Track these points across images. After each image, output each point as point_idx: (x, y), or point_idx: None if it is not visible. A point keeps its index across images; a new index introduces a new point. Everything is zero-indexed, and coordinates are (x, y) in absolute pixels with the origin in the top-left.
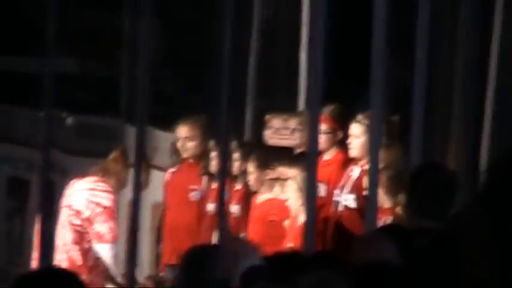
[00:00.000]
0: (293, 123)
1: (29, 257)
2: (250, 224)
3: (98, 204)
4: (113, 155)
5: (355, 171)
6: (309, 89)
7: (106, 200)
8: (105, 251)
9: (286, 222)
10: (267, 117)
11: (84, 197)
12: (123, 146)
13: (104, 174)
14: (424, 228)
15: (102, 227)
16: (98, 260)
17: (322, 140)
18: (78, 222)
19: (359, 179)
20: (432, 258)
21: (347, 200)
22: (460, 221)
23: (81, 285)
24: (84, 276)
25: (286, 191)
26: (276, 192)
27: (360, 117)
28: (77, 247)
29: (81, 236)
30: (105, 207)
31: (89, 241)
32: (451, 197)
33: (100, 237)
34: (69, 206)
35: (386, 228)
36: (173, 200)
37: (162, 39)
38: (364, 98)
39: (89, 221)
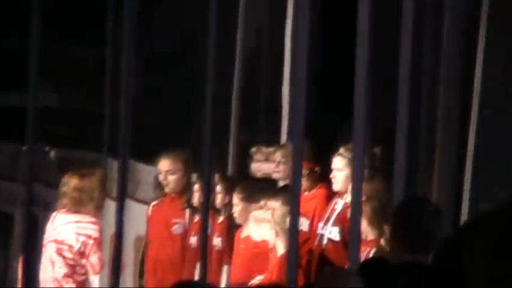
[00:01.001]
0: (278, 156)
1: None
2: (234, 257)
3: (88, 236)
4: (82, 184)
5: (339, 204)
6: (292, 122)
7: (93, 231)
8: (96, 282)
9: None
10: (253, 150)
11: (71, 231)
12: (96, 173)
13: (80, 205)
14: (408, 261)
15: (94, 258)
16: None
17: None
18: (70, 256)
19: (343, 211)
20: None
21: (331, 232)
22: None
23: None
24: None
25: (270, 223)
26: (259, 225)
27: (342, 150)
28: (70, 280)
29: (73, 270)
30: (94, 239)
31: (83, 274)
32: (434, 230)
33: (93, 269)
34: (57, 241)
35: (367, 262)
36: (156, 233)
37: (144, 72)
38: (346, 131)
39: (82, 254)
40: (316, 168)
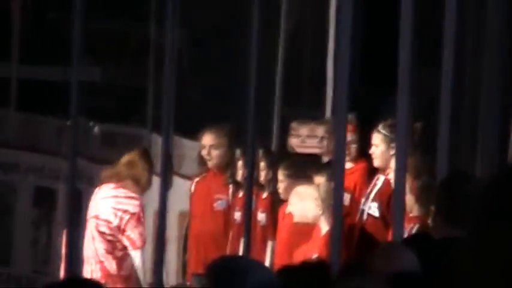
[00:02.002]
0: (320, 131)
1: (55, 267)
2: (279, 233)
3: (124, 211)
4: (126, 158)
5: (380, 180)
6: (336, 97)
7: (131, 206)
8: (137, 258)
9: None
10: (293, 125)
11: (109, 206)
12: (143, 148)
13: (116, 178)
14: (451, 237)
15: (133, 233)
16: (132, 268)
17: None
18: (108, 231)
19: (383, 187)
20: (451, 271)
21: (371, 208)
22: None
23: None
24: (118, 286)
25: (314, 199)
26: (304, 201)
27: (380, 126)
28: (110, 256)
29: (113, 245)
30: (132, 214)
31: (121, 249)
32: None
33: (133, 244)
34: (96, 216)
35: (410, 238)
36: (199, 209)
37: (188, 47)
38: (389, 105)
39: (119, 229)
40: (357, 143)
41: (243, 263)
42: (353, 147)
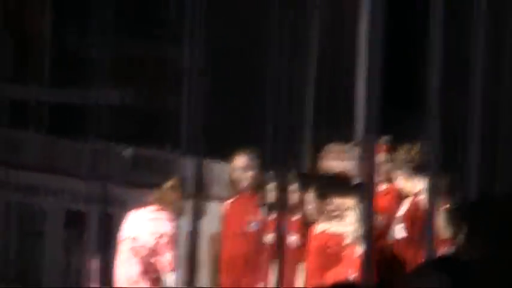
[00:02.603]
0: (354, 153)
1: None
2: (308, 255)
3: (162, 234)
4: (170, 183)
5: (407, 200)
6: (366, 119)
7: (168, 229)
8: (171, 280)
9: (344, 253)
10: (327, 147)
11: (147, 228)
12: (179, 176)
13: (162, 202)
14: (480, 259)
15: (167, 256)
16: None
17: (379, 169)
18: (144, 253)
19: (410, 207)
20: None
21: (398, 229)
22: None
23: None
24: None
25: (345, 221)
26: (334, 223)
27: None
28: (145, 278)
29: (148, 268)
30: (169, 237)
31: (156, 271)
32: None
33: (167, 267)
34: (132, 238)
35: (439, 259)
36: (231, 231)
37: (217, 71)
38: (415, 128)
39: (155, 251)
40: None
41: None
42: (386, 169)
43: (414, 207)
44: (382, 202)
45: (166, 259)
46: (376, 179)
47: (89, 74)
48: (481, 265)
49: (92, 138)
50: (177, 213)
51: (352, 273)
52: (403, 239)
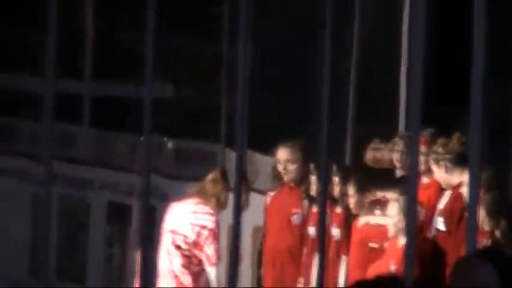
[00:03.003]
0: (400, 145)
1: (130, 283)
2: (351, 248)
3: (203, 227)
4: (211, 176)
5: (445, 194)
6: (409, 113)
7: (209, 222)
8: (212, 274)
9: (386, 245)
10: (371, 141)
11: (187, 221)
12: (223, 167)
13: (202, 195)
14: None
15: (209, 249)
16: (207, 284)
17: (421, 161)
18: (185, 246)
19: (450, 201)
20: None
21: (438, 222)
22: None
23: None
24: None
25: (388, 213)
26: (377, 216)
27: (435, 146)
28: (186, 271)
29: (189, 260)
30: (210, 230)
31: (197, 265)
32: None
33: (209, 260)
34: (174, 231)
35: (483, 251)
36: (274, 223)
37: (260, 64)
38: (462, 124)
39: (196, 244)
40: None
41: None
42: (428, 161)
43: (454, 200)
44: (423, 195)
45: (208, 252)
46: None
47: (137, 67)
48: None
49: (134, 131)
50: (219, 206)
51: (394, 266)
52: (443, 233)
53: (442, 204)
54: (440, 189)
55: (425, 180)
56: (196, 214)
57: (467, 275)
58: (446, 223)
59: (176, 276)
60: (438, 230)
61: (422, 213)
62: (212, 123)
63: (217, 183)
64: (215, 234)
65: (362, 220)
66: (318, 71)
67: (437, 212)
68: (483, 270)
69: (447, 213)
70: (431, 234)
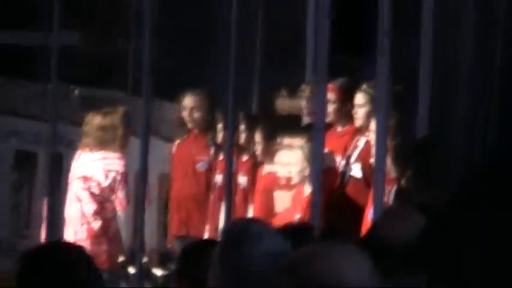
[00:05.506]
0: (306, 93)
1: (37, 230)
2: (255, 195)
3: (116, 172)
4: (109, 121)
5: (361, 141)
6: (316, 60)
7: (120, 166)
8: (122, 218)
9: (291, 193)
10: (277, 89)
11: (100, 167)
12: (123, 110)
13: (105, 142)
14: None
15: (121, 193)
16: (117, 230)
17: (331, 110)
18: (98, 192)
19: (365, 148)
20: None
21: (353, 169)
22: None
23: (88, 259)
24: (103, 247)
25: (291, 161)
26: (282, 163)
27: (364, 86)
28: (98, 217)
29: (102, 206)
30: (121, 174)
31: (110, 210)
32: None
33: (121, 204)
34: (85, 177)
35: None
36: (180, 171)
37: (167, 11)
38: (367, 71)
39: (111, 189)
40: (348, 103)
41: (256, 229)
42: (336, 108)
43: (369, 147)
44: (338, 143)
45: (120, 196)
46: (331, 120)
47: (43, 16)
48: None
49: (40, 79)
50: (123, 149)
51: (299, 215)
52: (359, 180)
53: (357, 150)
54: (356, 137)
55: (339, 129)
56: (107, 160)
57: (398, 225)
58: (364, 170)
59: (88, 223)
60: (353, 177)
61: (336, 161)
62: (119, 70)
63: (117, 128)
64: (126, 178)
65: (267, 168)
66: (226, 18)
67: (352, 159)
68: (412, 220)
69: (364, 160)
70: (344, 182)
